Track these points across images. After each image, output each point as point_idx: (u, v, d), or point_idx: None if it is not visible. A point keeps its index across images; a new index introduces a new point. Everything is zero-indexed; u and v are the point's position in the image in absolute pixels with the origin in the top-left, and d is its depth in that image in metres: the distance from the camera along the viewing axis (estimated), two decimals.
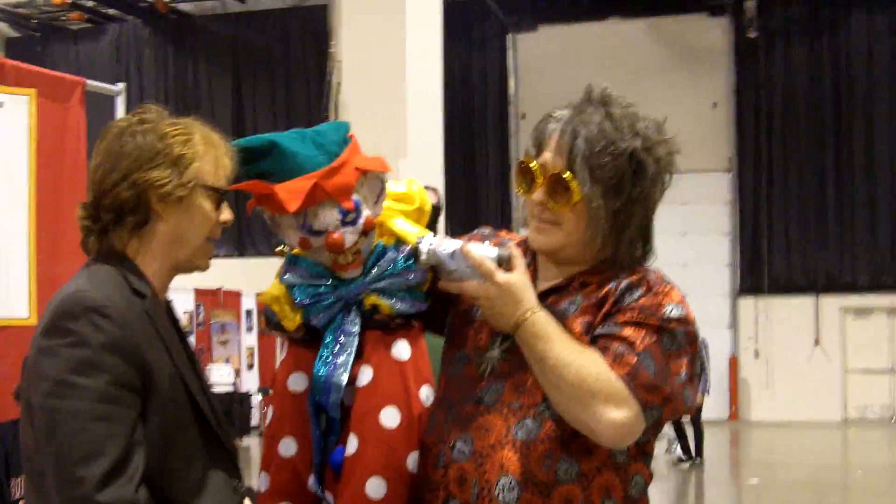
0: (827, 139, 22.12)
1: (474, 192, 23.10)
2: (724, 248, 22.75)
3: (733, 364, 22.31)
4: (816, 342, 22.22)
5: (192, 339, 16.41)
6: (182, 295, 16.30)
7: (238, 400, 16.18)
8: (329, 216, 2.09)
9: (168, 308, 2.11)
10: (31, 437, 1.91)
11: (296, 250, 2.18)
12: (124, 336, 1.89)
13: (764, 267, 22.33)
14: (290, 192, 2.06)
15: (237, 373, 17.08)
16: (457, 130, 22.08)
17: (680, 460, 14.30)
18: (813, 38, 22.19)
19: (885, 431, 20.37)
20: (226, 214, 2.08)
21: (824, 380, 21.98)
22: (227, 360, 17.04)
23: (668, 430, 14.15)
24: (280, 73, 21.86)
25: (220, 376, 16.20)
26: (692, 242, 22.15)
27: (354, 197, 2.12)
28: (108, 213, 1.99)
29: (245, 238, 20.52)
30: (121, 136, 2.01)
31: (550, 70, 21.94)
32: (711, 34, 22.63)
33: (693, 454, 14.25)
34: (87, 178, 2.05)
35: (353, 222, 2.11)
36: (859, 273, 21.97)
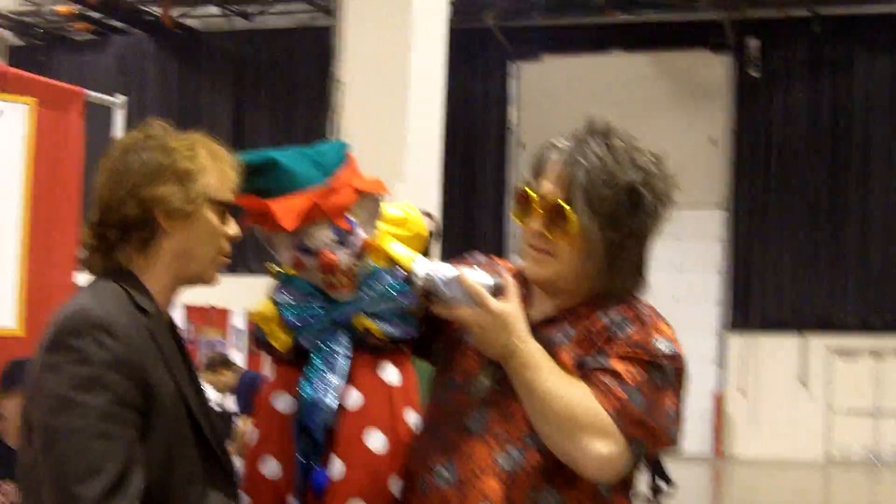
0: (822, 182, 22.19)
1: (471, 219, 23.10)
2: (715, 284, 22.78)
3: (719, 400, 22.29)
4: (802, 381, 22.23)
5: None
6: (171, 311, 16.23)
7: (225, 418, 16.10)
8: (324, 236, 2.09)
9: (171, 324, 2.10)
10: (29, 453, 1.90)
11: (289, 270, 2.18)
12: (128, 354, 1.88)
13: (754, 304, 22.35)
14: (287, 211, 2.06)
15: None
16: (456, 156, 22.08)
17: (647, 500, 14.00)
18: (814, 80, 22.28)
19: (867, 473, 20.34)
20: (233, 229, 2.07)
21: (809, 419, 21.96)
22: None
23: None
24: (282, 92, 21.88)
25: (207, 394, 16.11)
26: (684, 278, 22.18)
27: (351, 218, 2.11)
28: (114, 230, 1.99)
29: (236, 255, 20.39)
30: (126, 152, 2.01)
31: (552, 100, 21.99)
32: (713, 71, 22.72)
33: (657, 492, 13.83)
34: (92, 196, 2.03)
35: (348, 243, 2.11)
36: (848, 314, 22.01)
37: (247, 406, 9.28)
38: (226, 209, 2.05)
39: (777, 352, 22.14)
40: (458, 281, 2.02)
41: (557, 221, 2.03)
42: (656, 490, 13.77)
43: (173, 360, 1.99)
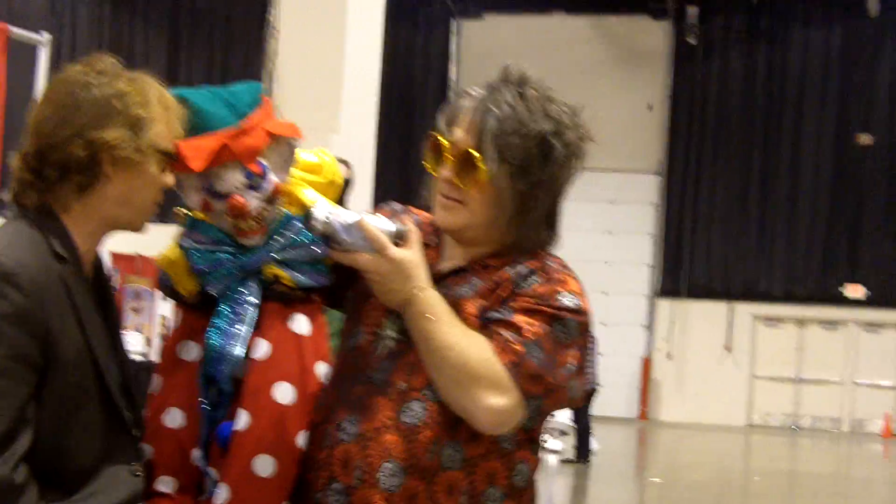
0: (755, 150, 22.51)
1: (408, 174, 23.04)
2: (647, 249, 23.04)
3: (646, 364, 22.63)
4: (727, 347, 22.64)
5: None
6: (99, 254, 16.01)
7: (146, 369, 15.93)
8: (234, 179, 2.03)
9: (98, 268, 2.03)
10: None
11: (197, 213, 2.11)
12: (30, 307, 1.80)
13: (683, 270, 22.67)
14: (195, 150, 1.99)
15: (148, 342, 16.82)
16: (394, 111, 22.01)
17: (568, 460, 14.16)
18: (750, 49, 22.54)
19: (786, 439, 20.85)
20: (170, 179, 2.01)
21: (732, 385, 22.43)
22: (139, 329, 16.79)
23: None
24: (218, 38, 21.55)
25: (130, 345, 15.96)
26: (616, 241, 22.40)
27: (262, 161, 2.05)
28: (54, 169, 1.89)
29: (166, 204, 20.15)
30: (75, 87, 1.91)
31: (492, 59, 21.83)
32: (653, 37, 22.86)
33: (580, 456, 13.95)
34: (29, 128, 1.93)
35: (259, 187, 2.05)
36: (774, 283, 22.43)
37: None
38: (169, 160, 1.98)
39: (704, 318, 22.52)
40: (358, 226, 1.98)
41: (467, 169, 2.00)
42: (581, 454, 13.93)
43: (85, 312, 1.91)
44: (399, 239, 1.98)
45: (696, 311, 22.55)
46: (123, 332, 2.12)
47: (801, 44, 22.37)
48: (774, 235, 22.36)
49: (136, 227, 2.02)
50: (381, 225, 1.99)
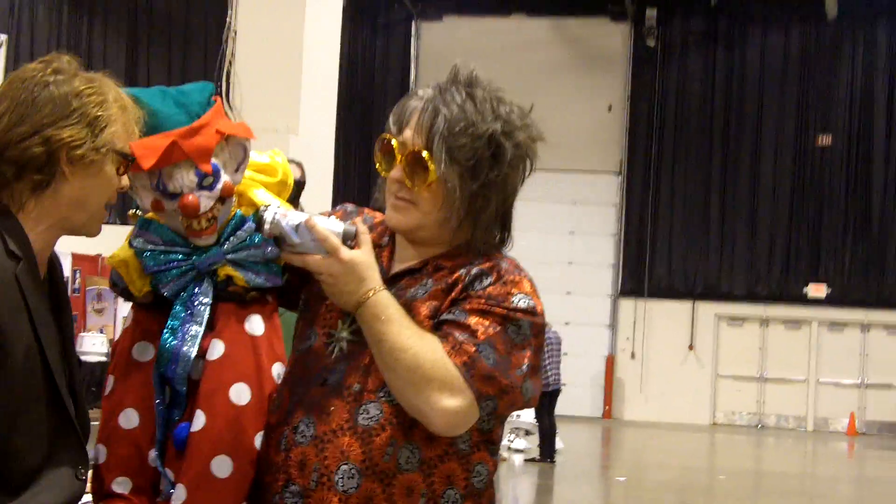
0: (715, 151, 22.70)
1: (368, 175, 23.05)
2: (609, 249, 23.17)
3: (609, 363, 22.74)
4: (690, 347, 22.79)
5: None
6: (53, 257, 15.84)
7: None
8: (185, 178, 2.02)
9: (52, 269, 2.00)
10: None
11: (149, 214, 2.10)
12: None
13: (645, 270, 22.81)
14: (146, 149, 1.98)
15: (111, 343, 16.69)
16: (354, 113, 21.98)
17: (533, 459, 14.19)
18: (709, 51, 22.75)
19: (750, 437, 21.01)
20: (125, 181, 1.99)
21: (696, 384, 22.59)
22: (102, 330, 16.66)
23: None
24: (177, 38, 21.44)
25: (92, 345, 15.82)
26: (579, 242, 22.50)
27: (214, 161, 2.05)
28: (10, 167, 1.87)
29: (128, 206, 20.01)
30: (32, 85, 1.89)
31: (452, 60, 21.64)
32: (612, 39, 23.01)
33: (545, 455, 13.98)
34: None
35: (211, 187, 2.04)
36: (736, 283, 22.61)
37: None
38: (126, 162, 1.97)
39: (667, 318, 22.66)
40: (307, 227, 1.97)
41: (417, 170, 2.00)
42: (546, 454, 13.96)
43: (37, 311, 1.88)
44: (350, 240, 1.97)
45: (659, 310, 22.69)
46: (75, 334, 2.09)
47: (760, 45, 22.58)
48: (736, 235, 22.54)
49: (89, 231, 2.00)
50: (330, 226, 1.97)
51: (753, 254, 22.55)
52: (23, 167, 1.87)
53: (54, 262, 2.03)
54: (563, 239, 22.34)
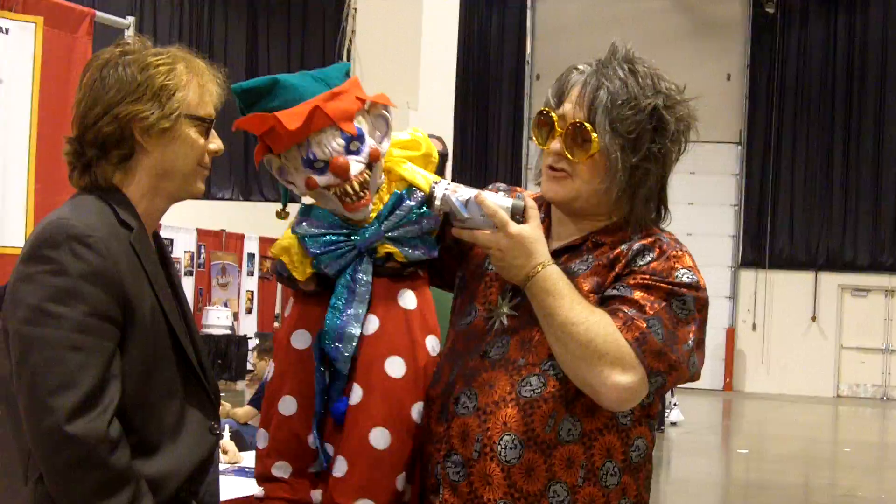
0: (837, 118, 22.03)
1: (485, 150, 23.09)
2: (729, 219, 22.75)
3: (730, 335, 22.38)
4: (813, 318, 22.28)
5: (191, 280, 16.42)
6: (184, 234, 16.25)
7: (235, 343, 16.19)
8: (332, 142, 2.08)
9: (157, 240, 2.08)
10: (7, 363, 1.88)
11: (307, 199, 2.16)
12: (105, 266, 1.86)
13: (766, 241, 22.35)
14: (291, 115, 2.05)
15: (235, 316, 17.09)
16: (471, 87, 22.02)
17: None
18: (829, 17, 22.05)
19: (875, 410, 20.48)
20: (215, 143, 2.04)
21: (819, 356, 22.08)
22: (226, 304, 17.06)
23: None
24: (296, 18, 21.72)
25: (217, 319, 16.16)
26: (698, 212, 22.15)
27: (357, 124, 2.10)
28: (92, 148, 1.96)
29: (252, 182, 20.48)
30: (102, 68, 1.98)
31: (567, 33, 21.83)
32: (730, 7, 22.49)
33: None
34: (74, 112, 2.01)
35: (358, 151, 2.09)
36: (859, 252, 21.99)
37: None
38: (205, 124, 2.02)
39: (788, 288, 22.18)
40: (476, 202, 1.99)
41: (578, 142, 2.01)
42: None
43: (154, 275, 1.97)
44: (518, 214, 1.98)
45: (780, 281, 22.22)
46: (202, 307, 2.16)
47: (883, 9, 21.79)
48: (858, 204, 21.89)
49: (192, 193, 2.06)
50: (499, 201, 1.99)
51: (877, 223, 21.86)
52: (103, 146, 1.96)
53: (158, 237, 2.11)
54: (683, 210, 21.99)
